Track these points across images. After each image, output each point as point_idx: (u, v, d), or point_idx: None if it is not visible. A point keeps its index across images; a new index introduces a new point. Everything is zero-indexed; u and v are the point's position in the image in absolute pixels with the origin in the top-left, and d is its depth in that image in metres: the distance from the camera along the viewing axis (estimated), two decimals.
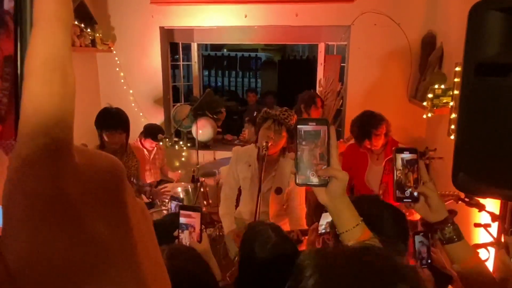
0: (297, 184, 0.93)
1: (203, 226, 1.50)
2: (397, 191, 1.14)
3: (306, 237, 2.22)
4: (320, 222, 1.94)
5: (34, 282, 0.20)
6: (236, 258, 2.44)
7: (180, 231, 1.49)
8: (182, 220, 1.49)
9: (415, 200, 1.14)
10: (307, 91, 3.94)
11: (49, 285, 0.20)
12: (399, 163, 1.15)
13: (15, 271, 0.20)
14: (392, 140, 2.94)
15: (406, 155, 1.15)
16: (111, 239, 0.22)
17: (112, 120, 2.74)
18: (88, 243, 0.21)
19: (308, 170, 0.91)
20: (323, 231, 1.76)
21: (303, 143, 0.91)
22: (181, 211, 1.50)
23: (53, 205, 0.20)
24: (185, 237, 1.48)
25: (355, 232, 0.90)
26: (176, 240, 1.47)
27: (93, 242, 0.21)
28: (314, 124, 0.91)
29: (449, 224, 1.13)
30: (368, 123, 2.79)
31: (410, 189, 1.14)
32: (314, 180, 0.91)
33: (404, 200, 1.15)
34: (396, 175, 1.15)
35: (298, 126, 0.91)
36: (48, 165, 0.21)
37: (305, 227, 2.47)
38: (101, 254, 0.21)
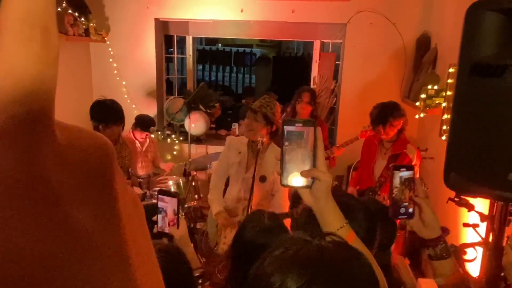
0: (282, 185, 0.92)
1: (181, 212, 1.52)
2: (393, 208, 1.16)
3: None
4: None
5: (1, 276, 0.16)
6: (216, 248, 2.50)
7: (157, 215, 1.51)
8: (159, 204, 1.53)
9: (410, 216, 1.16)
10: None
11: (19, 280, 0.17)
12: (396, 181, 1.16)
13: None
14: (403, 138, 2.98)
15: (404, 173, 1.16)
16: (97, 232, 0.19)
17: (111, 114, 2.73)
18: (68, 235, 0.18)
19: (293, 170, 0.91)
20: None
21: (289, 143, 0.90)
22: (159, 196, 1.52)
23: (26, 188, 0.17)
24: (159, 221, 1.50)
25: (340, 234, 0.89)
26: (155, 225, 1.50)
27: (75, 234, 0.18)
28: (301, 125, 0.90)
29: (441, 243, 1.15)
30: (389, 111, 2.85)
31: (405, 206, 1.16)
32: (299, 181, 0.91)
33: (400, 216, 1.17)
34: (393, 192, 1.16)
35: (284, 127, 0.90)
36: (22, 140, 0.17)
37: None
38: (84, 248, 0.18)
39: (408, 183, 1.16)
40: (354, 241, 0.91)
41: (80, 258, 0.18)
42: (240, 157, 2.56)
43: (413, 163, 2.88)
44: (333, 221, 0.92)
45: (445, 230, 1.21)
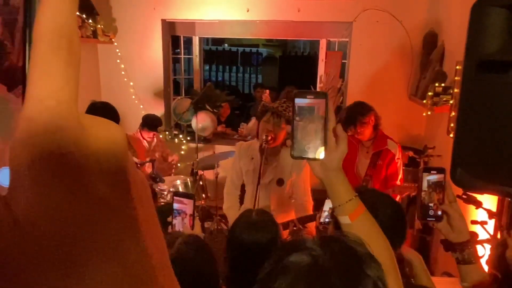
0: (292, 157, 0.92)
1: (196, 213, 1.53)
2: (421, 210, 1.17)
3: (307, 224, 2.24)
4: (324, 208, 1.93)
5: (39, 231, 0.22)
6: None
7: (173, 217, 1.52)
8: (175, 206, 1.52)
9: (439, 219, 1.16)
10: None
11: (52, 235, 0.22)
12: (425, 184, 1.17)
13: (21, 221, 0.22)
14: (382, 134, 2.96)
15: (433, 177, 1.17)
16: (112, 198, 0.24)
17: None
18: (91, 201, 0.23)
19: (303, 143, 0.90)
20: (326, 220, 1.76)
21: (300, 115, 0.90)
22: (175, 197, 1.53)
23: (59, 165, 0.22)
24: (177, 223, 1.51)
25: (349, 206, 0.89)
26: (170, 226, 1.51)
27: (95, 200, 0.23)
28: (312, 97, 0.89)
29: (469, 247, 1.15)
30: (356, 111, 2.86)
31: (433, 209, 1.16)
32: (309, 153, 0.90)
33: (428, 219, 1.17)
34: (421, 196, 1.17)
35: (296, 99, 0.89)
36: (54, 126, 0.22)
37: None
38: (102, 211, 0.23)
39: (435, 186, 1.16)
40: (363, 215, 0.90)
41: (100, 218, 0.23)
42: (254, 163, 2.41)
43: (396, 158, 2.88)
44: (343, 194, 0.91)
45: (473, 235, 1.20)
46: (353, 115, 2.85)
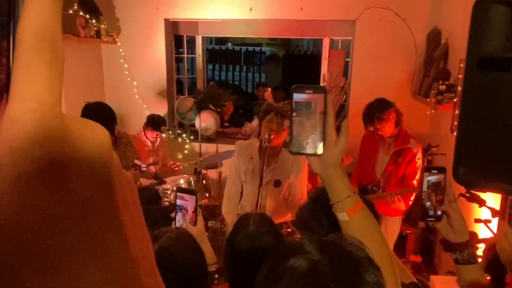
0: (291, 152, 0.91)
1: (199, 209, 1.53)
2: (421, 211, 1.18)
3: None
4: None
5: (23, 234, 0.22)
6: None
7: (176, 212, 1.53)
8: (177, 202, 1.53)
9: (439, 219, 1.17)
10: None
11: (36, 237, 0.22)
12: (425, 184, 1.18)
13: (6, 225, 0.22)
14: (405, 133, 2.96)
15: (433, 177, 1.17)
16: (96, 200, 0.24)
17: (93, 119, 2.75)
18: (74, 202, 0.23)
19: (302, 138, 0.89)
20: None
21: (298, 110, 0.88)
22: (177, 194, 1.53)
23: (42, 166, 0.22)
24: (179, 219, 1.52)
25: (347, 202, 0.89)
26: (173, 222, 1.51)
27: (78, 201, 0.23)
28: (311, 91, 0.88)
29: (469, 247, 1.15)
30: (374, 107, 2.87)
31: (433, 209, 1.17)
32: (308, 148, 0.89)
33: (428, 219, 1.18)
34: (422, 195, 1.18)
35: (294, 94, 0.88)
36: (36, 127, 0.22)
37: None
38: (86, 212, 0.23)
39: (435, 186, 1.17)
40: (361, 211, 0.90)
41: (83, 219, 0.23)
42: (253, 163, 2.40)
43: (416, 157, 2.88)
44: (341, 190, 0.90)
45: (473, 235, 1.20)
46: (371, 112, 2.87)
